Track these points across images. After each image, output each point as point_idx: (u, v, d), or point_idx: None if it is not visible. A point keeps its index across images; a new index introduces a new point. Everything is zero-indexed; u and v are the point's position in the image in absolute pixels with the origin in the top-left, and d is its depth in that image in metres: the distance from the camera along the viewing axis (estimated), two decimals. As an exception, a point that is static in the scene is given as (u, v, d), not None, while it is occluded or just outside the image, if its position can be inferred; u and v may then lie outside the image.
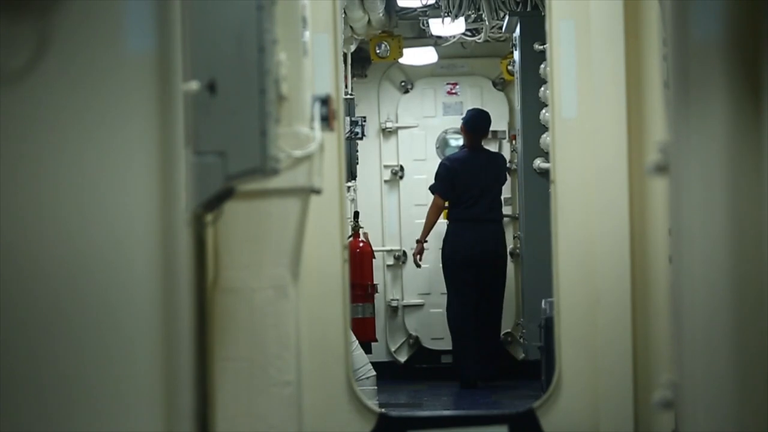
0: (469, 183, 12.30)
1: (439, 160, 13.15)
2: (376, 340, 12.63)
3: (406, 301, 13.39)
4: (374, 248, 12.78)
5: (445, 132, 13.43)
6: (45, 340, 3.83)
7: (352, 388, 7.84)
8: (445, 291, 12.77)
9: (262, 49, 5.18)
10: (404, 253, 13.40)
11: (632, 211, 7.78)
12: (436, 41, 13.21)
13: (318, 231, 7.53)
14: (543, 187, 9.95)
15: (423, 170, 13.36)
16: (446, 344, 12.99)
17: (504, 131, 13.22)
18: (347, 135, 10.40)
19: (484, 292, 12.28)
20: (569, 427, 7.84)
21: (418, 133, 13.47)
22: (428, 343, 13.29)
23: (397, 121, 13.51)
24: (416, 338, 13.33)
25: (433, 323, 13.25)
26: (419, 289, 13.35)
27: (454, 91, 13.42)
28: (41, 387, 3.83)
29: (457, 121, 13.28)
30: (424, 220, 12.73)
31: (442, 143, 13.46)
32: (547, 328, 8.50)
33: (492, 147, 13.01)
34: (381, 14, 11.86)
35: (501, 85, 13.49)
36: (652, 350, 7.69)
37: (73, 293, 3.84)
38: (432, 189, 12.51)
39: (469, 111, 12.78)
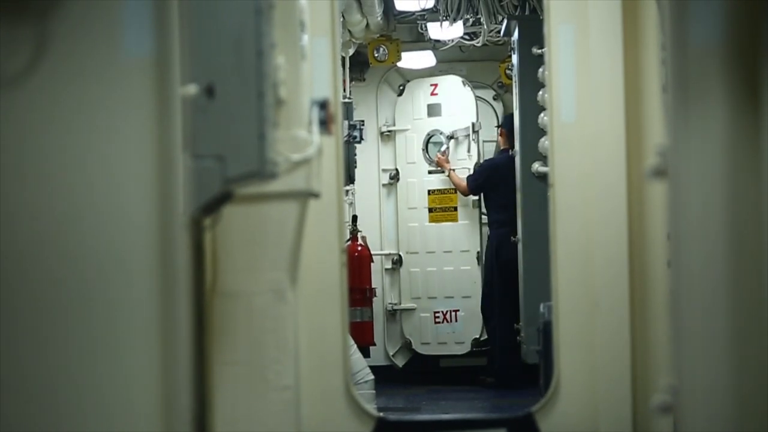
0: (505, 186, 12.22)
1: (425, 163, 13.16)
2: (374, 344, 12.63)
3: (402, 305, 13.38)
4: (372, 252, 12.78)
5: (429, 135, 13.34)
6: (44, 343, 3.83)
7: (350, 392, 7.84)
8: (432, 296, 13.03)
9: (260, 53, 5.17)
10: (400, 257, 13.40)
11: (631, 215, 7.77)
12: (435, 45, 13.20)
13: (316, 235, 7.52)
14: (541, 190, 9.94)
15: (415, 173, 13.35)
16: (433, 349, 13.03)
17: (468, 128, 13.14)
18: (345, 139, 10.39)
19: (509, 293, 12.38)
20: (568, 431, 7.84)
21: (410, 136, 13.46)
22: (418, 348, 13.25)
23: (394, 125, 13.50)
24: (409, 342, 13.32)
25: (422, 328, 13.23)
26: (412, 293, 13.34)
27: (435, 92, 13.38)
28: (40, 390, 3.83)
29: (437, 123, 13.22)
30: (417, 224, 13.13)
31: (425, 145, 13.39)
32: (546, 332, 8.49)
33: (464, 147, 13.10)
34: (379, 18, 11.86)
35: (501, 88, 13.49)
36: (650, 354, 7.69)
37: (71, 297, 3.84)
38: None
39: (504, 117, 12.83)
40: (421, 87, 13.41)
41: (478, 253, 12.97)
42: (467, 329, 13.00)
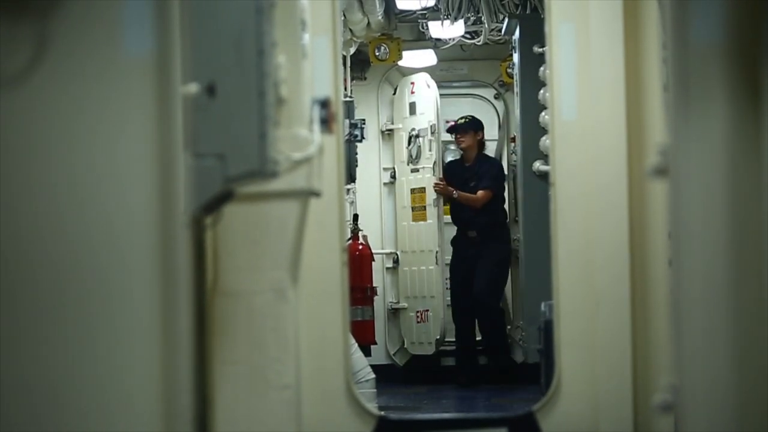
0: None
1: (407, 162, 13.12)
2: (375, 343, 12.61)
3: (399, 305, 13.34)
4: (373, 251, 12.75)
5: (410, 134, 13.26)
6: (44, 343, 3.83)
7: (351, 391, 7.84)
8: (415, 295, 13.05)
9: (261, 52, 5.17)
10: (397, 255, 13.36)
11: (632, 214, 7.78)
12: (436, 44, 13.19)
13: (317, 234, 7.52)
14: (542, 189, 9.94)
15: (405, 172, 13.28)
16: (417, 349, 13.01)
17: (429, 127, 13.07)
18: (346, 138, 10.38)
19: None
20: (569, 430, 7.84)
21: (400, 135, 13.39)
22: (409, 347, 13.21)
23: (392, 123, 13.47)
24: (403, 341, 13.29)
25: (411, 327, 13.20)
26: (404, 292, 13.31)
27: (413, 90, 13.32)
28: (41, 390, 3.83)
29: (414, 122, 13.14)
30: (407, 222, 13.02)
31: (408, 143, 13.32)
32: (547, 330, 8.49)
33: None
34: (380, 17, 11.85)
35: (502, 87, 13.47)
36: (651, 353, 7.69)
37: (71, 296, 3.84)
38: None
39: (474, 118, 12.71)
40: (407, 85, 13.37)
41: (437, 253, 12.81)
42: (434, 329, 12.92)
